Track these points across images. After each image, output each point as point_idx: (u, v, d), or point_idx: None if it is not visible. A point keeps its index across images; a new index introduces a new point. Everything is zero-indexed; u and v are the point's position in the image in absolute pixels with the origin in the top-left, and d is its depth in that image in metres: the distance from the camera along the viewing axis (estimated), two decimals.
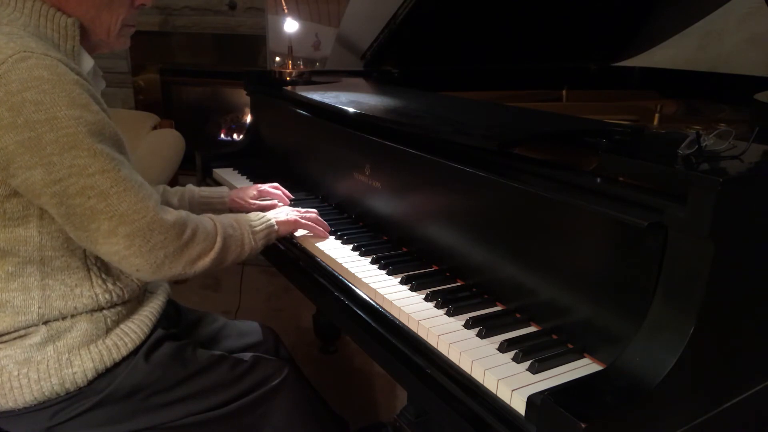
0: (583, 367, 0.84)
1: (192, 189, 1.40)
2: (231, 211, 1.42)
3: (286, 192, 1.51)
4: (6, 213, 0.93)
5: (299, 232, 1.29)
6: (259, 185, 1.50)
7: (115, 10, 1.02)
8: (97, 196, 0.91)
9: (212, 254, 1.05)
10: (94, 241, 0.94)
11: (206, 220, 1.07)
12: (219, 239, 1.06)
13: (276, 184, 1.52)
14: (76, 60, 0.98)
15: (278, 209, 1.28)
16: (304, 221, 1.26)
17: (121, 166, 0.94)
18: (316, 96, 1.47)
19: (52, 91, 0.87)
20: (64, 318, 1.00)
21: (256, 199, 1.45)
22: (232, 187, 1.67)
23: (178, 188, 1.38)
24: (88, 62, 1.02)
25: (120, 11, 1.03)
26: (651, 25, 2.04)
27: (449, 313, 0.96)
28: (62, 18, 0.97)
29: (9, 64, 0.86)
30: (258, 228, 1.15)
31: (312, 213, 1.30)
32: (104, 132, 0.93)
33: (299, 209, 1.30)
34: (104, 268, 1.04)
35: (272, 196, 1.48)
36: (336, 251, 1.22)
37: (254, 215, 1.18)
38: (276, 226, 1.19)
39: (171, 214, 1.00)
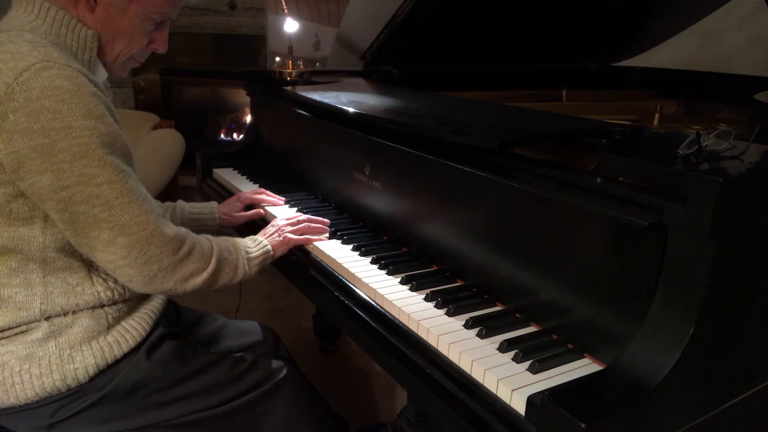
0: (583, 367, 0.84)
1: (182, 205, 1.40)
2: (221, 227, 1.43)
3: (273, 194, 1.50)
4: (12, 212, 0.95)
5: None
6: (241, 194, 1.50)
7: (130, 43, 1.06)
8: (101, 205, 0.93)
9: (205, 274, 1.05)
10: (92, 248, 0.96)
11: (204, 240, 1.08)
12: (213, 260, 1.07)
13: (261, 189, 1.53)
14: (92, 71, 1.01)
15: (270, 228, 1.26)
16: (297, 237, 1.25)
17: (128, 178, 0.96)
18: (316, 96, 1.47)
19: (70, 101, 0.89)
20: (65, 314, 1.01)
21: (242, 210, 1.47)
22: (233, 187, 1.68)
23: (168, 203, 1.38)
24: (102, 74, 1.06)
25: (134, 45, 1.06)
26: (651, 25, 2.04)
27: (449, 313, 0.96)
28: (83, 29, 1.00)
29: (31, 72, 0.88)
30: (254, 254, 1.15)
31: (303, 218, 1.29)
32: (115, 144, 0.95)
33: (290, 218, 1.28)
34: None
35: (258, 202, 1.48)
36: (336, 251, 1.22)
37: (251, 241, 1.19)
38: (272, 251, 1.20)
39: (171, 229, 1.02)
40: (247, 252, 1.14)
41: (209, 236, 1.12)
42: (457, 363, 0.86)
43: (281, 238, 1.23)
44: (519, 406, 0.76)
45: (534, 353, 0.84)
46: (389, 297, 1.02)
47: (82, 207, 0.92)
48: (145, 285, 1.00)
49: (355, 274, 1.11)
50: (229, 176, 1.76)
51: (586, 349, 0.87)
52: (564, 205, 0.88)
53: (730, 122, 1.58)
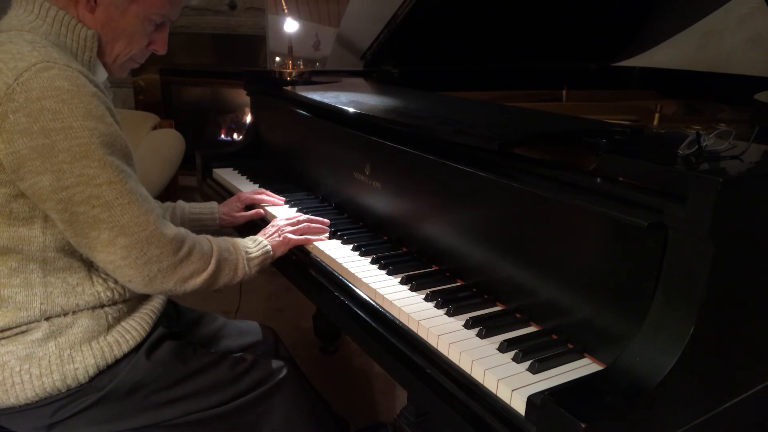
0: (583, 367, 0.84)
1: (182, 205, 1.40)
2: (221, 227, 1.44)
3: (272, 194, 1.51)
4: (12, 212, 0.95)
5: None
6: (241, 194, 1.50)
7: (130, 43, 1.06)
8: (101, 205, 0.93)
9: (204, 275, 1.05)
10: (92, 248, 0.96)
11: (204, 240, 1.08)
12: (213, 261, 1.07)
13: (261, 189, 1.53)
14: (92, 71, 1.01)
15: (270, 228, 1.26)
16: (297, 237, 1.25)
17: (128, 179, 0.96)
18: (316, 96, 1.47)
19: (70, 101, 0.89)
20: (65, 314, 1.01)
21: (242, 210, 1.47)
22: (233, 187, 1.68)
23: (168, 203, 1.38)
24: (102, 74, 1.06)
25: (134, 46, 1.06)
26: (651, 25, 2.04)
27: (449, 313, 0.96)
28: (83, 29, 1.00)
29: (32, 72, 0.88)
30: (253, 255, 1.15)
31: (303, 218, 1.29)
32: (116, 144, 0.95)
33: (289, 218, 1.28)
34: None
35: (259, 202, 1.48)
36: (336, 251, 1.22)
37: (251, 241, 1.19)
38: (272, 251, 1.19)
39: (171, 230, 1.01)
40: (247, 252, 1.14)
41: (209, 237, 1.12)
42: (457, 363, 0.86)
43: (281, 239, 1.23)
44: (519, 406, 0.76)
45: (534, 353, 0.84)
46: (389, 297, 1.02)
47: (82, 207, 0.92)
48: (145, 285, 1.00)
49: (355, 274, 1.11)
50: (229, 176, 1.76)
51: (586, 349, 0.87)
52: (564, 205, 0.88)
53: (730, 122, 1.58)
